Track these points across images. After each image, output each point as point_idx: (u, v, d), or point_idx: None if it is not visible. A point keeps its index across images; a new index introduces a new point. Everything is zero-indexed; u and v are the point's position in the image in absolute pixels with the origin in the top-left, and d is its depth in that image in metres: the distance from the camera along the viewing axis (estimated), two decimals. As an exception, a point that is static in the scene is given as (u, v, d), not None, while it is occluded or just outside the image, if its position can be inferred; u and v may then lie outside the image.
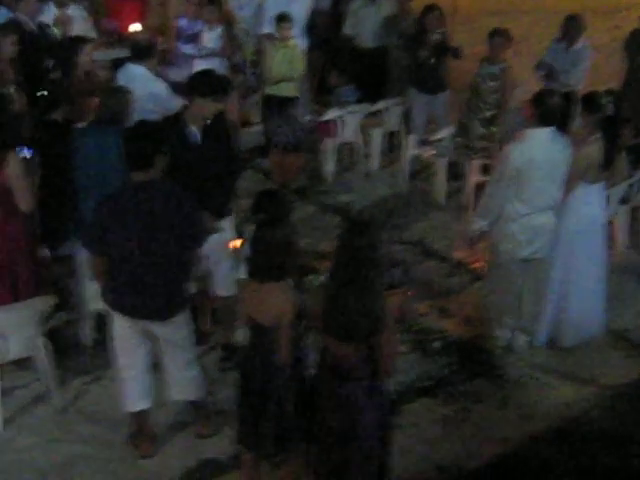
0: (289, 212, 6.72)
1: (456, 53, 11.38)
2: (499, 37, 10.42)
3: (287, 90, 11.78)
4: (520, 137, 7.47)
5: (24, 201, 6.96)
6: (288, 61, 11.70)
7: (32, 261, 7.25)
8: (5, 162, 6.82)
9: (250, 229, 6.67)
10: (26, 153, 7.18)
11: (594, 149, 7.54)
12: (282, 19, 11.54)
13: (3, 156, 6.83)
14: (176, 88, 8.93)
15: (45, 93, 8.43)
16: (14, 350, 6.80)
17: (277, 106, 11.48)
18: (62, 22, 11.42)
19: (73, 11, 11.86)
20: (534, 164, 7.25)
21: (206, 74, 7.29)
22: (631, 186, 9.44)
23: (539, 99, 7.40)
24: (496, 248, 7.73)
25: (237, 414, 5.97)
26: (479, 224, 7.72)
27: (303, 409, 5.68)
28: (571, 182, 7.48)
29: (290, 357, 5.58)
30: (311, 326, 5.63)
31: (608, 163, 7.60)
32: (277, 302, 5.53)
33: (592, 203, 7.72)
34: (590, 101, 7.71)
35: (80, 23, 11.77)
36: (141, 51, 8.77)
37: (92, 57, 9.84)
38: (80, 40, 9.94)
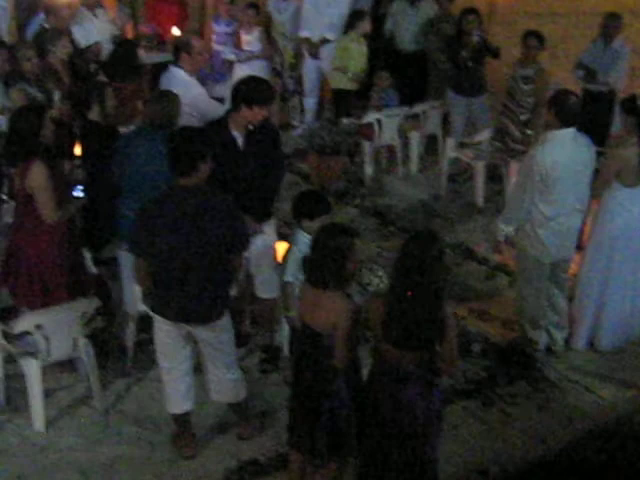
0: (329, 210, 6.74)
1: (495, 53, 11.37)
2: (533, 39, 10.38)
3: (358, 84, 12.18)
4: (542, 140, 7.47)
5: (45, 212, 6.89)
6: (364, 56, 12.10)
7: (68, 266, 7.26)
8: (28, 171, 6.77)
9: (296, 233, 6.74)
10: (77, 193, 7.30)
11: (631, 152, 7.47)
12: (360, 15, 11.98)
13: (27, 165, 6.79)
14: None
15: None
16: (57, 352, 6.84)
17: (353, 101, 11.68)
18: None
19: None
20: (558, 166, 7.21)
21: (251, 82, 7.21)
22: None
23: (557, 100, 7.38)
24: (524, 252, 7.72)
25: (289, 416, 6.01)
26: (505, 229, 7.71)
27: (357, 413, 5.70)
28: (602, 184, 7.47)
29: (346, 363, 5.58)
30: (366, 333, 5.61)
31: (645, 166, 7.55)
32: (333, 311, 5.51)
33: (633, 207, 7.67)
34: (629, 103, 7.68)
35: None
36: (179, 50, 8.80)
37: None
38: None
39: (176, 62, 8.70)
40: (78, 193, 7.38)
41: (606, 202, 7.53)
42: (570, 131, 7.33)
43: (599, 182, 7.54)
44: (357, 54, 11.96)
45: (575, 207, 7.44)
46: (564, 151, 7.28)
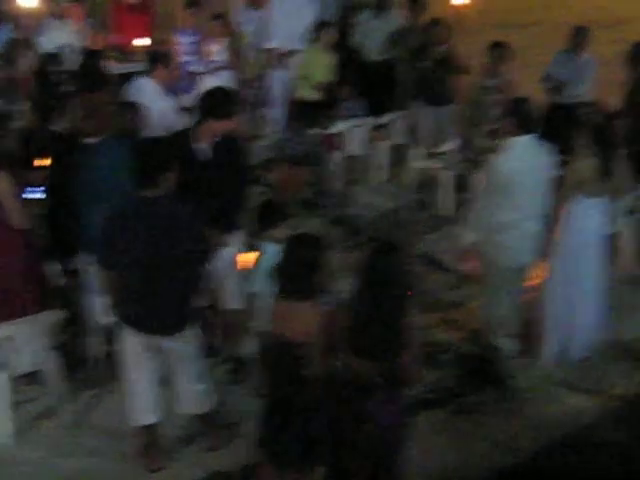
0: (287, 217, 6.92)
1: (462, 69, 11.40)
2: (498, 50, 10.49)
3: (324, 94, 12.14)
4: (502, 147, 7.51)
5: (16, 218, 6.94)
6: (330, 66, 12.05)
7: (33, 277, 7.22)
8: None
9: (263, 243, 6.78)
10: (38, 194, 7.27)
11: (586, 163, 7.52)
12: (325, 26, 11.99)
13: None
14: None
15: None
16: (24, 363, 6.82)
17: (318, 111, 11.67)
18: None
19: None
20: (519, 172, 7.29)
21: (218, 94, 7.19)
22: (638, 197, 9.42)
23: (514, 108, 7.46)
24: (489, 259, 7.76)
25: (259, 428, 5.97)
26: (470, 237, 7.74)
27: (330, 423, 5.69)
28: (561, 196, 7.51)
29: (320, 372, 5.57)
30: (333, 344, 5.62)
31: (605, 176, 7.58)
32: (306, 320, 5.54)
33: (593, 217, 7.69)
34: (581, 117, 7.75)
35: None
36: (155, 61, 8.75)
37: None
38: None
39: (149, 73, 8.65)
40: (37, 195, 7.34)
41: (570, 213, 7.57)
42: (529, 138, 7.40)
43: (560, 194, 7.58)
44: (322, 64, 11.95)
45: (536, 212, 7.50)
46: (523, 157, 7.35)
